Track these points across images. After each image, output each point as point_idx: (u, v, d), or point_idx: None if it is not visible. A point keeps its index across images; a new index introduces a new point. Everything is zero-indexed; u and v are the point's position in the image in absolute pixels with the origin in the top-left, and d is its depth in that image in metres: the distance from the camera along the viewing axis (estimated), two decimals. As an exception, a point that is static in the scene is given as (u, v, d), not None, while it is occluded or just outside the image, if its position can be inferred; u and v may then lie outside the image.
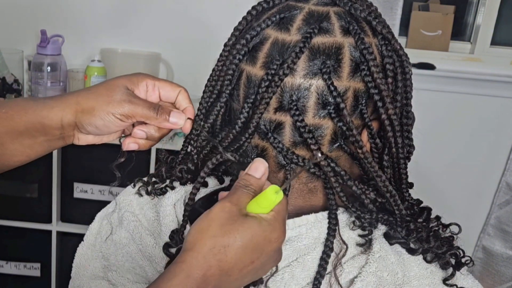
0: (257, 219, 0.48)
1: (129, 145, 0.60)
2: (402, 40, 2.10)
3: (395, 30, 1.86)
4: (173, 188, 0.64)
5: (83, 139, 0.59)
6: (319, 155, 0.52)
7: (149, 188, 0.65)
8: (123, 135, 0.62)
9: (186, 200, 0.64)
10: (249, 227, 0.47)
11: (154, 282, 0.46)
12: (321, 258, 0.54)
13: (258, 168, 0.52)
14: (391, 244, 0.57)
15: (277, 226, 0.48)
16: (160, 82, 0.58)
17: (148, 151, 1.64)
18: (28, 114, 0.56)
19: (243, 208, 0.48)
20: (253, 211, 0.48)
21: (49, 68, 1.60)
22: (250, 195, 0.50)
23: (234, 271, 0.46)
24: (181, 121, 0.57)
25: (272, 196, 0.48)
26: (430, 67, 1.98)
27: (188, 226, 0.59)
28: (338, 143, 0.54)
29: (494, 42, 2.09)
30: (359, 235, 0.57)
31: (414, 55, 1.95)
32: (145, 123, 0.58)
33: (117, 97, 0.55)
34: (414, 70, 1.78)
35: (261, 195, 0.49)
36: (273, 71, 0.52)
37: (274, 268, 0.54)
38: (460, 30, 2.18)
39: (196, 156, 0.60)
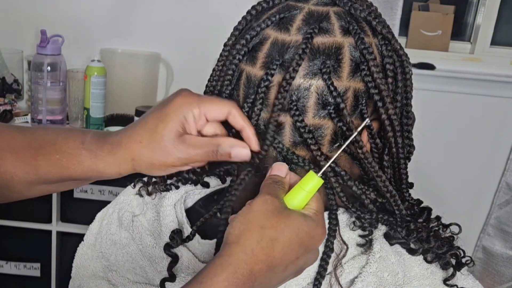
0: (302, 214, 0.47)
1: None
2: (402, 40, 2.10)
3: (395, 30, 1.86)
4: (178, 187, 0.64)
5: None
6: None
7: (150, 189, 0.65)
8: None
9: (186, 200, 0.64)
10: (296, 221, 0.46)
11: (196, 277, 0.43)
12: (322, 259, 0.54)
13: (281, 168, 0.51)
14: (391, 244, 0.57)
15: (320, 222, 0.48)
16: (205, 106, 0.51)
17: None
18: (83, 167, 0.54)
19: (282, 200, 0.47)
20: (290, 207, 0.48)
21: (49, 68, 1.60)
22: (283, 190, 0.49)
23: (280, 267, 0.45)
24: (245, 152, 0.51)
25: (312, 178, 0.48)
26: (430, 67, 1.98)
27: (187, 226, 0.58)
28: (338, 143, 0.54)
29: (494, 42, 2.09)
30: (360, 236, 0.57)
31: (414, 55, 1.95)
32: None
33: (171, 147, 0.50)
34: (414, 70, 1.78)
35: (298, 186, 0.49)
36: (272, 71, 0.52)
37: None
38: (460, 30, 2.19)
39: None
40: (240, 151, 0.51)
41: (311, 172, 0.49)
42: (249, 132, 0.52)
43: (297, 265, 0.47)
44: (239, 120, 0.52)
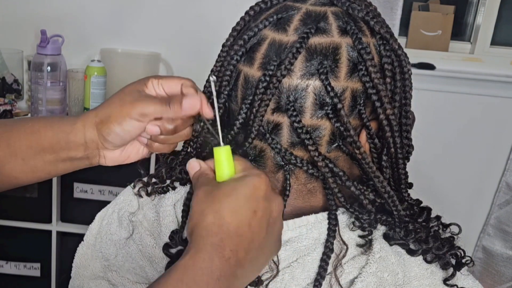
0: (230, 180, 0.49)
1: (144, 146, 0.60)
2: (402, 40, 2.10)
3: (395, 30, 1.86)
4: (174, 188, 0.64)
5: (109, 157, 0.59)
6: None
7: (149, 189, 0.65)
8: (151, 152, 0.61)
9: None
10: (228, 185, 0.47)
11: (170, 267, 0.45)
12: (321, 259, 0.54)
13: (192, 166, 0.53)
14: (390, 245, 0.57)
15: (252, 172, 0.49)
16: (162, 79, 0.57)
17: (148, 151, 1.64)
18: (54, 129, 0.56)
19: (212, 183, 0.49)
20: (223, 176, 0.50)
21: (49, 68, 1.60)
22: (209, 175, 0.51)
23: (243, 229, 0.46)
24: (195, 102, 0.54)
25: (218, 152, 0.50)
26: (430, 67, 1.98)
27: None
28: (336, 144, 0.54)
29: (494, 42, 2.09)
30: (359, 236, 0.57)
31: (414, 55, 1.95)
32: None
33: (128, 99, 0.55)
34: (414, 70, 1.78)
35: (216, 165, 0.51)
36: (270, 72, 0.52)
37: (274, 270, 0.54)
38: (460, 30, 2.19)
39: (195, 157, 0.60)
40: (189, 102, 0.54)
41: (216, 148, 0.51)
42: (200, 96, 0.55)
43: (262, 218, 0.47)
44: (192, 89, 0.56)
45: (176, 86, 0.57)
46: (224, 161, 0.50)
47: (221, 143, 0.51)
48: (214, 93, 0.53)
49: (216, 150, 0.50)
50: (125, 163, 0.61)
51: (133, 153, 0.60)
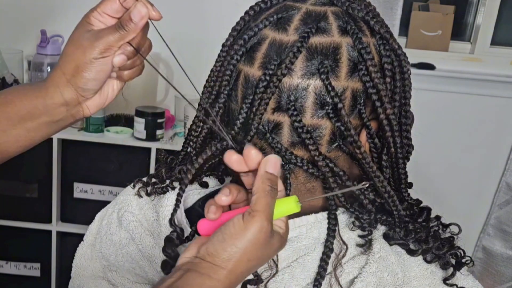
0: (280, 236, 0.48)
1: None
2: (402, 40, 2.10)
3: (395, 30, 1.86)
4: (173, 188, 0.64)
5: (92, 105, 0.59)
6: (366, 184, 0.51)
7: (149, 189, 0.65)
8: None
9: (185, 201, 0.64)
10: (274, 244, 0.48)
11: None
12: (321, 259, 0.54)
13: (276, 163, 0.49)
14: (390, 244, 0.57)
15: (286, 238, 0.49)
16: (100, 7, 0.57)
17: (148, 152, 1.64)
18: (28, 97, 0.57)
19: (270, 225, 0.47)
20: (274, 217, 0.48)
21: (49, 68, 1.60)
22: (275, 199, 0.48)
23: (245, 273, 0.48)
24: (141, 9, 0.55)
25: (293, 206, 0.49)
26: (430, 67, 1.98)
27: (187, 226, 0.59)
28: (336, 143, 0.54)
29: (494, 42, 2.09)
30: (359, 236, 0.57)
31: (414, 55, 1.95)
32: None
33: (85, 43, 0.55)
34: (414, 70, 1.78)
35: (282, 202, 0.49)
36: (270, 72, 0.52)
37: (274, 270, 0.54)
38: (460, 30, 2.19)
39: (195, 157, 0.60)
40: (137, 13, 0.55)
41: (295, 197, 0.49)
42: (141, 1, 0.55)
43: (259, 264, 0.48)
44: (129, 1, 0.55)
45: (115, 5, 0.56)
46: (288, 210, 0.49)
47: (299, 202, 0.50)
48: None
49: (295, 199, 0.49)
50: (107, 104, 0.61)
51: (110, 91, 0.61)
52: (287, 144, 0.54)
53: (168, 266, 0.55)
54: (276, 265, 0.54)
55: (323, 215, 0.56)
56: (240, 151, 0.50)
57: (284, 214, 0.49)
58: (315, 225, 0.55)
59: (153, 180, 0.66)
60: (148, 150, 1.63)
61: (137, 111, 1.63)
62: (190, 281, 0.45)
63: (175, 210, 0.56)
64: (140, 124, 1.62)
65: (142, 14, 0.55)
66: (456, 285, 0.57)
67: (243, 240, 0.45)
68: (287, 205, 0.49)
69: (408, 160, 0.60)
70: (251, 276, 0.54)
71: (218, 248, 0.46)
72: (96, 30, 0.56)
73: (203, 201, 0.65)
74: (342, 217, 0.57)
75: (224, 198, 0.49)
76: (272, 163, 0.48)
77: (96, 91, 0.58)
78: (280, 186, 0.50)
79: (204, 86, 0.60)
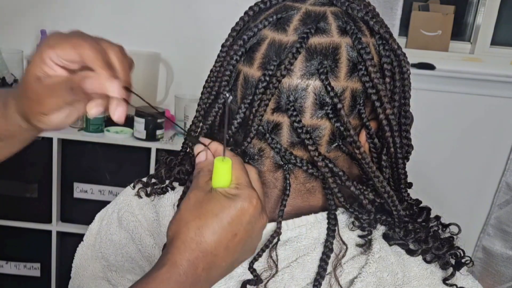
0: (222, 193, 0.48)
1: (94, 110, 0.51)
2: (402, 40, 2.10)
3: (395, 30, 1.86)
4: (173, 188, 0.64)
5: (45, 126, 0.54)
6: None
7: (149, 190, 0.65)
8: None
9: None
10: (216, 203, 0.48)
11: (145, 275, 0.47)
12: (321, 259, 0.54)
13: (200, 154, 0.53)
14: (390, 244, 0.57)
15: (245, 193, 0.49)
16: (56, 49, 0.48)
17: (148, 152, 1.64)
18: None
19: (206, 188, 0.49)
20: (218, 186, 0.50)
21: (49, 68, 1.60)
22: (207, 176, 0.50)
23: (219, 249, 0.47)
24: (97, 85, 0.47)
25: (218, 164, 0.49)
26: (430, 67, 1.98)
27: None
28: (336, 144, 0.54)
29: (494, 42, 2.09)
30: (359, 236, 0.57)
31: (414, 55, 1.95)
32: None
33: (34, 96, 0.50)
34: (414, 70, 1.78)
35: (214, 172, 0.50)
36: (270, 72, 0.52)
37: (274, 269, 0.54)
38: (460, 30, 2.19)
39: (193, 157, 0.60)
40: (91, 85, 0.47)
41: (217, 159, 0.50)
42: (101, 75, 0.48)
43: (240, 240, 0.48)
44: (90, 62, 0.48)
45: (75, 56, 0.49)
46: (222, 173, 0.50)
47: (224, 154, 0.51)
48: (227, 112, 0.52)
49: (216, 160, 0.50)
50: (63, 128, 0.56)
51: (68, 117, 0.55)
52: (287, 145, 0.54)
53: None
54: (276, 265, 0.54)
55: (323, 215, 0.56)
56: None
57: (224, 174, 0.50)
58: (315, 225, 0.55)
59: (153, 180, 0.66)
60: (148, 150, 1.64)
61: (137, 111, 1.63)
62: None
63: None
64: (140, 124, 1.62)
65: (97, 89, 0.48)
66: (456, 285, 0.57)
67: (175, 213, 0.49)
68: (215, 168, 0.50)
69: (408, 160, 0.60)
70: (250, 276, 0.55)
71: (167, 231, 0.49)
72: (45, 80, 0.49)
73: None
74: (342, 217, 0.57)
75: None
76: (197, 155, 0.54)
77: (48, 122, 0.53)
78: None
79: (204, 87, 0.60)
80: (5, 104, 0.55)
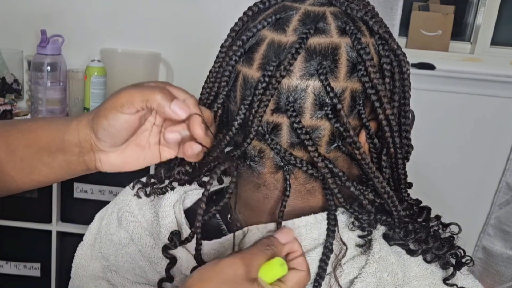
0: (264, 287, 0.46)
1: (164, 154, 0.56)
2: (402, 40, 2.10)
3: (395, 30, 1.86)
4: (173, 188, 0.64)
5: (105, 161, 0.56)
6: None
7: (148, 190, 0.65)
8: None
9: (185, 201, 0.64)
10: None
11: None
12: (321, 259, 0.54)
13: (288, 234, 0.51)
14: (390, 245, 0.57)
15: None
16: (146, 94, 0.50)
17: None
18: (51, 128, 0.56)
19: (253, 271, 0.46)
20: (262, 277, 0.47)
21: (49, 68, 1.60)
22: (267, 257, 0.48)
23: None
24: (184, 108, 0.50)
25: (276, 267, 0.48)
26: (430, 67, 1.98)
27: (186, 227, 0.58)
28: (335, 144, 0.54)
29: (494, 42, 2.09)
30: (359, 236, 0.57)
31: (414, 55, 1.95)
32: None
33: (115, 93, 0.52)
34: (414, 70, 1.78)
35: (269, 262, 0.48)
36: (269, 73, 0.51)
37: None
38: (460, 30, 2.19)
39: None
40: (181, 106, 0.50)
41: (279, 258, 0.48)
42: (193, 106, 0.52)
43: None
44: (166, 109, 0.50)
45: (140, 106, 0.51)
46: (274, 272, 0.48)
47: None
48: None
49: (279, 260, 0.48)
50: (124, 170, 0.57)
51: (133, 159, 0.57)
52: (286, 145, 0.54)
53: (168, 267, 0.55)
54: None
55: (323, 216, 0.56)
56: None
57: (273, 276, 0.48)
58: (315, 225, 0.55)
59: (152, 180, 0.66)
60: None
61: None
62: None
63: (200, 210, 0.55)
64: (140, 124, 1.62)
65: (180, 113, 0.50)
66: (456, 285, 0.57)
67: (208, 268, 0.46)
68: (271, 265, 0.48)
69: (408, 160, 0.60)
70: None
71: (193, 273, 0.47)
72: (142, 84, 0.52)
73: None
74: (342, 218, 0.57)
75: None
76: (283, 232, 0.51)
77: (110, 147, 0.55)
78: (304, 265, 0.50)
79: (203, 87, 0.60)
80: (72, 118, 0.56)
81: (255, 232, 0.56)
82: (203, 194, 0.55)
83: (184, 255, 0.58)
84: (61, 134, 0.55)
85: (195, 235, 0.55)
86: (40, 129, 0.57)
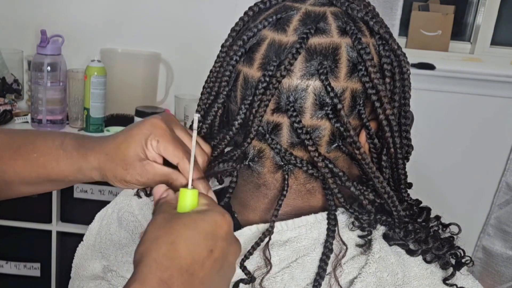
0: (194, 211, 0.46)
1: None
2: (402, 40, 2.10)
3: (395, 30, 1.86)
4: None
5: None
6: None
7: (148, 190, 0.65)
8: None
9: None
10: (189, 218, 0.44)
11: None
12: (321, 259, 0.54)
13: (159, 191, 0.50)
14: (390, 245, 0.57)
15: (216, 208, 0.46)
16: (161, 143, 0.53)
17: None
18: (60, 166, 0.56)
19: (172, 212, 0.46)
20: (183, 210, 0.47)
21: (49, 68, 1.60)
22: (170, 205, 0.48)
23: (195, 267, 0.42)
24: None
25: (185, 192, 0.47)
26: (430, 67, 1.98)
27: None
28: (336, 144, 0.54)
29: (494, 42, 2.09)
30: (359, 236, 0.57)
31: (414, 55, 1.95)
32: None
33: (130, 168, 0.53)
34: (414, 70, 1.78)
35: (179, 200, 0.47)
36: (270, 73, 0.52)
37: (268, 266, 0.54)
38: (460, 30, 2.19)
39: None
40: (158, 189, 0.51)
41: (182, 190, 0.48)
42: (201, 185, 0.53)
43: (218, 258, 0.43)
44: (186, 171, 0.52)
45: (173, 159, 0.53)
46: (188, 200, 0.47)
47: (190, 185, 0.49)
48: (195, 132, 0.50)
49: (182, 191, 0.47)
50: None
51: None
52: (287, 145, 0.54)
53: None
54: (270, 264, 0.54)
55: (323, 216, 0.56)
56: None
57: (192, 202, 0.47)
58: (315, 225, 0.55)
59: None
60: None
61: (137, 111, 1.63)
62: None
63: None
64: (140, 124, 1.62)
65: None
66: (456, 285, 0.57)
67: (143, 236, 0.45)
68: (182, 197, 0.48)
69: (408, 160, 0.60)
70: (243, 275, 0.54)
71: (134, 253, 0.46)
72: (147, 165, 0.53)
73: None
74: (342, 218, 0.57)
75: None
76: (155, 193, 0.51)
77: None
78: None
79: (203, 87, 0.60)
80: (84, 157, 0.55)
81: (250, 232, 0.56)
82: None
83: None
84: (75, 173, 0.56)
85: None
86: (48, 164, 0.56)
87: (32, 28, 1.86)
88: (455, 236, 0.60)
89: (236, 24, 0.57)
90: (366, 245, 0.56)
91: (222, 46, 0.58)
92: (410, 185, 0.61)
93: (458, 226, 0.60)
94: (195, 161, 0.53)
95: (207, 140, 0.59)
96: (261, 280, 0.54)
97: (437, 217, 0.61)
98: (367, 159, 0.53)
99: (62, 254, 1.76)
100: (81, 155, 0.55)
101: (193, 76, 1.64)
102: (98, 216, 0.72)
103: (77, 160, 0.55)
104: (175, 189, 0.50)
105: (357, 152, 0.53)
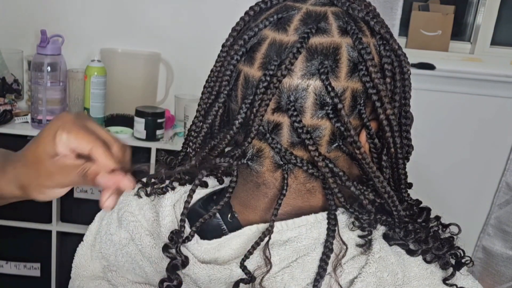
0: None
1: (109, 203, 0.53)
2: (402, 40, 2.10)
3: (395, 30, 1.86)
4: (173, 188, 0.64)
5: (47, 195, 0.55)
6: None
7: (148, 190, 0.65)
8: None
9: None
10: None
11: None
12: (321, 259, 0.54)
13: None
14: (390, 245, 0.57)
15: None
16: (70, 135, 0.51)
17: (148, 152, 1.64)
18: None
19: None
20: None
21: (49, 68, 1.60)
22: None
23: None
24: (110, 182, 0.50)
25: None
26: (430, 67, 1.98)
27: (187, 226, 0.59)
28: (336, 144, 0.54)
29: (494, 42, 2.09)
30: (359, 236, 0.57)
31: (414, 55, 1.95)
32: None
33: (42, 169, 0.51)
34: (414, 70, 1.78)
35: None
36: (270, 72, 0.52)
37: (268, 266, 0.54)
38: (460, 30, 2.19)
39: (194, 157, 0.60)
40: (104, 181, 0.50)
41: None
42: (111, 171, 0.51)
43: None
44: (102, 156, 0.51)
45: (86, 149, 0.51)
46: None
47: None
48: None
49: None
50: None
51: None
52: (287, 145, 0.54)
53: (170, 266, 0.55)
54: (270, 264, 0.54)
55: (323, 215, 0.56)
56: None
57: None
58: (315, 225, 0.55)
59: (153, 180, 0.66)
60: (148, 150, 1.63)
61: (137, 111, 1.63)
62: None
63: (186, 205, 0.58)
64: (140, 124, 1.62)
65: (109, 185, 0.51)
66: (456, 285, 0.57)
67: None
68: None
69: (408, 160, 0.60)
70: (243, 275, 0.54)
71: None
72: (57, 162, 0.51)
73: (203, 201, 0.65)
74: (342, 217, 0.57)
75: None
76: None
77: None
78: None
79: (204, 86, 0.60)
80: (2, 170, 0.54)
81: (250, 232, 0.56)
82: (192, 186, 0.57)
83: (185, 254, 0.58)
84: None
85: (181, 222, 0.57)
86: None
87: (32, 28, 1.86)
88: (455, 236, 0.60)
89: (237, 23, 0.57)
90: (366, 245, 0.56)
91: (223, 45, 0.58)
92: (410, 185, 0.61)
93: (458, 226, 0.60)
94: (108, 148, 0.52)
95: (207, 139, 0.59)
96: (261, 280, 0.54)
97: (437, 217, 0.61)
98: (368, 159, 0.53)
99: (62, 254, 1.76)
100: (2, 170, 0.54)
101: (193, 76, 1.65)
102: (98, 216, 0.72)
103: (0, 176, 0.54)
104: (92, 183, 0.50)
105: (357, 152, 0.53)
